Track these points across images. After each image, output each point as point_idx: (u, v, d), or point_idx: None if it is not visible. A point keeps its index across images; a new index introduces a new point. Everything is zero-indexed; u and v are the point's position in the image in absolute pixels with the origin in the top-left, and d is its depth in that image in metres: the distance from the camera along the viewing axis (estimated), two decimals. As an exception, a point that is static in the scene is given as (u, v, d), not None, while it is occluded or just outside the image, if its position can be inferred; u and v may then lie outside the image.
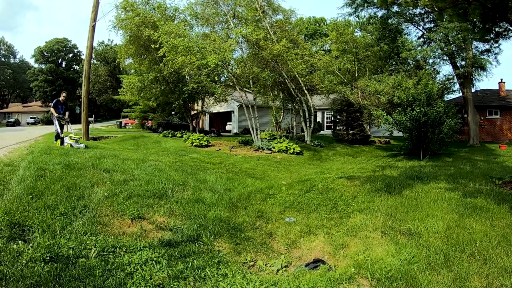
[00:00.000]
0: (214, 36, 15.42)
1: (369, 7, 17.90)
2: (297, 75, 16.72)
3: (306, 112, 17.86)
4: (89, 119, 19.39)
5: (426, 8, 15.37)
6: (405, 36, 20.07)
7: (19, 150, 7.55)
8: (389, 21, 18.23)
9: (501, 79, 23.48)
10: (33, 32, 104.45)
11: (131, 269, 2.70)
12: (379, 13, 18.31)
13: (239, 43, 16.32)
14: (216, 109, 25.42)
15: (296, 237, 4.11)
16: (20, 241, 2.77)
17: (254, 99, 17.98)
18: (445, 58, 17.87)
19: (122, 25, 17.40)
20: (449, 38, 16.32)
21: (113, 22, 17.57)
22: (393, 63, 20.07)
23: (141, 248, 3.12)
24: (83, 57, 49.30)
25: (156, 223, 3.88)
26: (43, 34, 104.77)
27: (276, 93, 20.29)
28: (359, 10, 18.16)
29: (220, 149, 13.87)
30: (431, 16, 17.58)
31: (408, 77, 14.78)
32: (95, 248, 2.90)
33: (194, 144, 14.49)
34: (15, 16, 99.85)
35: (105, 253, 2.89)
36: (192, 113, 23.83)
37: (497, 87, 23.76)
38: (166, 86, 18.81)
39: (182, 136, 17.51)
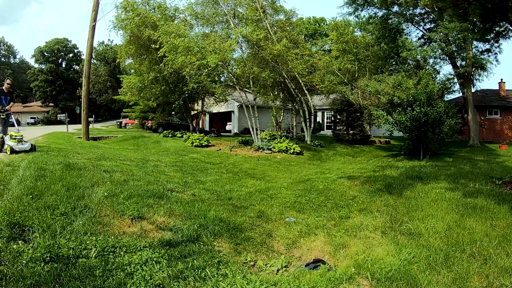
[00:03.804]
0: (214, 36, 15.42)
1: (369, 7, 17.90)
2: (297, 75, 16.71)
3: (306, 112, 17.86)
4: (89, 119, 19.39)
5: (426, 8, 15.37)
6: (405, 36, 20.07)
7: (19, 150, 7.53)
8: (389, 21, 18.23)
9: (501, 79, 23.48)
10: (33, 28, 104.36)
11: (131, 269, 2.70)
12: (379, 13, 18.31)
13: (239, 43, 16.31)
14: (216, 109, 25.42)
15: (296, 237, 4.11)
16: (20, 241, 2.77)
17: (254, 99, 17.98)
18: (445, 58, 17.88)
19: (122, 25, 17.40)
20: (449, 38, 16.32)
21: (113, 22, 17.59)
22: (393, 63, 20.08)
23: (141, 248, 3.11)
24: (83, 57, 49.30)
25: (156, 223, 3.88)
26: (43, 28, 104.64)
27: (276, 93, 20.30)
28: (359, 10, 18.17)
29: (220, 149, 13.88)
30: (431, 16, 17.58)
31: (408, 77, 14.77)
32: (95, 248, 2.90)
33: (194, 144, 14.49)
34: (14, 10, 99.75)
35: (105, 253, 2.89)
36: (192, 113, 23.84)
37: (497, 87, 23.75)
38: (166, 86, 18.81)
39: (182, 136, 17.52)
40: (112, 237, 3.24)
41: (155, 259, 2.92)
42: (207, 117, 30.24)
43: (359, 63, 18.31)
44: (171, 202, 4.73)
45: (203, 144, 14.49)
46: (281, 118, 21.41)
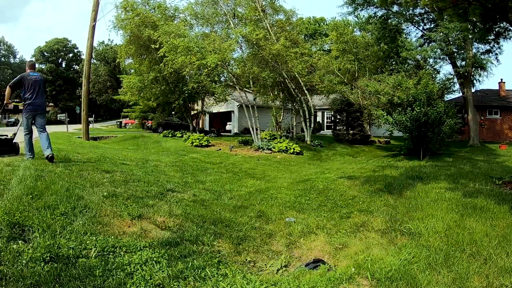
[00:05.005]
0: (214, 36, 15.42)
1: (369, 7, 17.90)
2: (297, 75, 16.72)
3: (306, 112, 17.86)
4: (89, 119, 19.39)
5: (426, 8, 15.37)
6: (405, 36, 20.07)
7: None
8: (389, 21, 18.24)
9: (501, 79, 23.47)
10: (32, 27, 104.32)
11: (131, 269, 2.70)
12: (379, 13, 18.33)
13: (239, 43, 16.32)
14: (216, 109, 25.43)
15: (296, 237, 4.12)
16: (20, 241, 2.77)
17: (254, 99, 17.98)
18: (445, 58, 17.87)
19: (122, 25, 17.41)
20: (449, 38, 16.31)
21: (113, 22, 17.61)
22: (393, 63, 20.07)
23: (141, 248, 3.12)
24: (83, 57, 49.28)
25: (156, 223, 3.88)
26: (43, 27, 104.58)
27: (276, 93, 20.30)
28: (359, 9, 18.19)
29: (220, 149, 13.88)
30: (431, 16, 17.59)
31: (408, 77, 14.77)
32: (95, 248, 2.90)
33: (194, 144, 14.49)
34: (14, 9, 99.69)
35: (105, 253, 2.89)
36: (192, 113, 23.85)
37: (497, 87, 23.75)
38: (166, 86, 18.81)
39: (182, 136, 17.52)
40: (112, 237, 3.24)
41: (155, 259, 2.92)
42: (207, 117, 30.24)
43: (359, 63, 18.31)
44: (171, 202, 4.73)
45: (203, 144, 14.48)
46: (281, 118, 21.41)
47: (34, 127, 5.76)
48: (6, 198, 3.57)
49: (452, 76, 18.72)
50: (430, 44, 17.60)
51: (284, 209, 5.20)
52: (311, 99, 18.89)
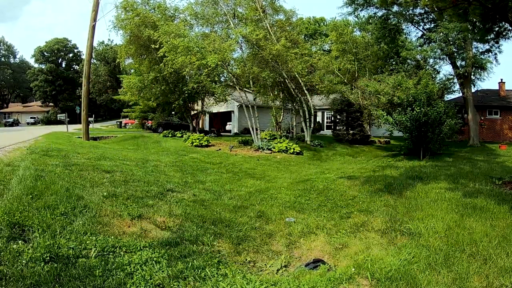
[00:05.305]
0: (214, 36, 15.42)
1: (368, 7, 17.89)
2: (297, 75, 16.72)
3: (306, 112, 17.86)
4: (89, 119, 19.38)
5: (426, 8, 15.36)
6: (405, 36, 20.06)
7: (19, 150, 7.54)
8: (389, 21, 18.22)
9: (501, 79, 23.47)
10: (32, 27, 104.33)
11: (131, 269, 2.70)
12: (379, 13, 18.30)
13: (239, 43, 16.32)
14: (216, 109, 25.42)
15: (296, 237, 4.12)
16: (20, 241, 2.77)
17: (254, 99, 17.98)
18: (445, 58, 17.87)
19: (122, 25, 17.41)
20: (449, 38, 16.30)
21: (113, 22, 17.61)
22: (393, 63, 20.06)
23: (141, 248, 3.12)
24: (83, 57, 49.27)
25: (156, 223, 3.88)
26: (43, 27, 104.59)
27: (276, 93, 20.30)
28: (359, 9, 18.17)
29: (220, 149, 13.88)
30: (431, 16, 17.58)
31: (408, 77, 14.76)
32: (95, 248, 2.90)
33: (194, 144, 14.49)
34: (14, 9, 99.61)
35: (105, 253, 2.89)
36: (192, 113, 23.85)
37: (497, 87, 23.76)
38: (166, 86, 18.82)
39: (182, 136, 17.52)
40: (112, 237, 3.24)
41: (155, 259, 2.92)
42: (207, 117, 30.23)
43: (359, 63, 18.31)
44: (171, 202, 4.73)
45: (203, 144, 14.48)
46: (281, 118, 21.41)
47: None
48: (6, 198, 3.57)
49: (452, 76, 18.72)
50: (430, 44, 17.59)
51: (284, 209, 5.21)
52: (311, 99, 18.89)
